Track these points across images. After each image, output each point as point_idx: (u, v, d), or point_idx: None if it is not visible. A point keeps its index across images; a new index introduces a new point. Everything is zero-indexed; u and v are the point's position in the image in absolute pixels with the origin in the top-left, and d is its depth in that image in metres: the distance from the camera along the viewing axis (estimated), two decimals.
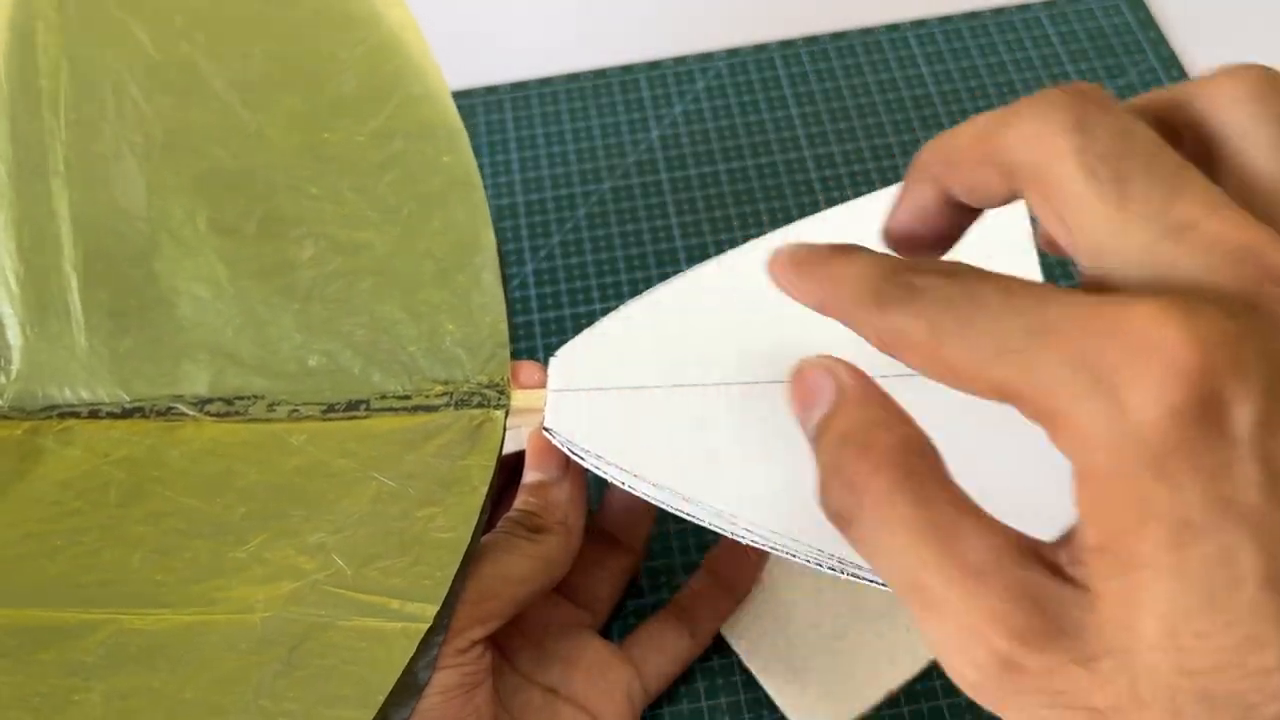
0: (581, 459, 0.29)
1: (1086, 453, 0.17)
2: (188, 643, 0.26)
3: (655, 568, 0.39)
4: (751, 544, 0.27)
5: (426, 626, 0.25)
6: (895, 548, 0.19)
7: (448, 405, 0.31)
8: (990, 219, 0.30)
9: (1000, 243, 0.31)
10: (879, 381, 0.23)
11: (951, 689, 0.36)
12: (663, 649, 0.35)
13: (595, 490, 0.38)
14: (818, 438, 0.21)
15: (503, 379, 0.31)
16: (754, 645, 0.36)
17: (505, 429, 0.30)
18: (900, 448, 0.20)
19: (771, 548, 0.27)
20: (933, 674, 0.36)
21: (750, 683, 0.36)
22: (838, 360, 0.22)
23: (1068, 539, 0.18)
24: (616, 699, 0.33)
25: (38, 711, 0.24)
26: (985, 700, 0.18)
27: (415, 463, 0.29)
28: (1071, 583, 0.17)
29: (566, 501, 0.31)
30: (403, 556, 0.27)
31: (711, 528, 0.27)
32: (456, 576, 0.27)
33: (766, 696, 0.36)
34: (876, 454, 0.20)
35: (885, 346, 0.20)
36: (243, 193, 0.33)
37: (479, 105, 0.53)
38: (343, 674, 0.25)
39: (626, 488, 0.28)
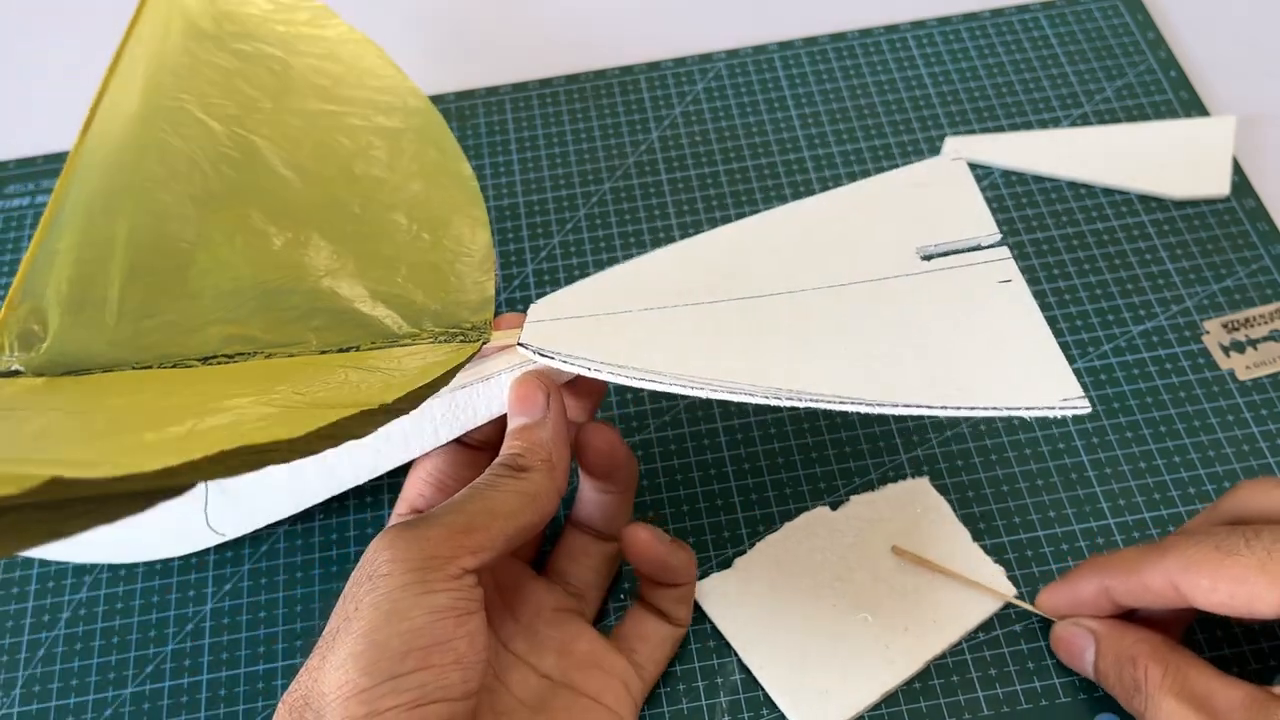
0: (550, 359, 0.31)
1: None
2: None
3: None
4: (711, 397, 0.29)
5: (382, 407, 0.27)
6: (1168, 714, 0.30)
7: (433, 341, 0.34)
8: (931, 162, 0.35)
9: (937, 174, 0.34)
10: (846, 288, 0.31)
11: (951, 688, 0.36)
12: (646, 637, 0.36)
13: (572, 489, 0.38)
14: (1100, 673, 0.33)
15: (484, 322, 0.34)
16: (753, 645, 0.37)
17: (481, 344, 0.33)
18: (1157, 650, 0.32)
19: (730, 394, 0.28)
20: (931, 673, 0.36)
21: (750, 682, 0.36)
22: (1082, 617, 0.34)
23: None
24: (614, 685, 0.34)
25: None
26: None
27: (390, 363, 0.32)
28: None
29: (550, 440, 0.32)
30: (385, 375, 0.30)
31: (673, 391, 0.29)
32: (432, 383, 0.29)
33: (766, 696, 0.36)
34: (1143, 661, 0.32)
35: None
36: (279, 222, 0.37)
37: (480, 106, 0.53)
38: (339, 394, 0.27)
39: (591, 374, 0.30)
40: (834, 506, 0.39)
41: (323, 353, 0.34)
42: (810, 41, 0.54)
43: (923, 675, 0.36)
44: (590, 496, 0.36)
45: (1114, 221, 0.47)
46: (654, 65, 0.54)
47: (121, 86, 0.40)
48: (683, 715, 0.36)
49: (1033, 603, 0.36)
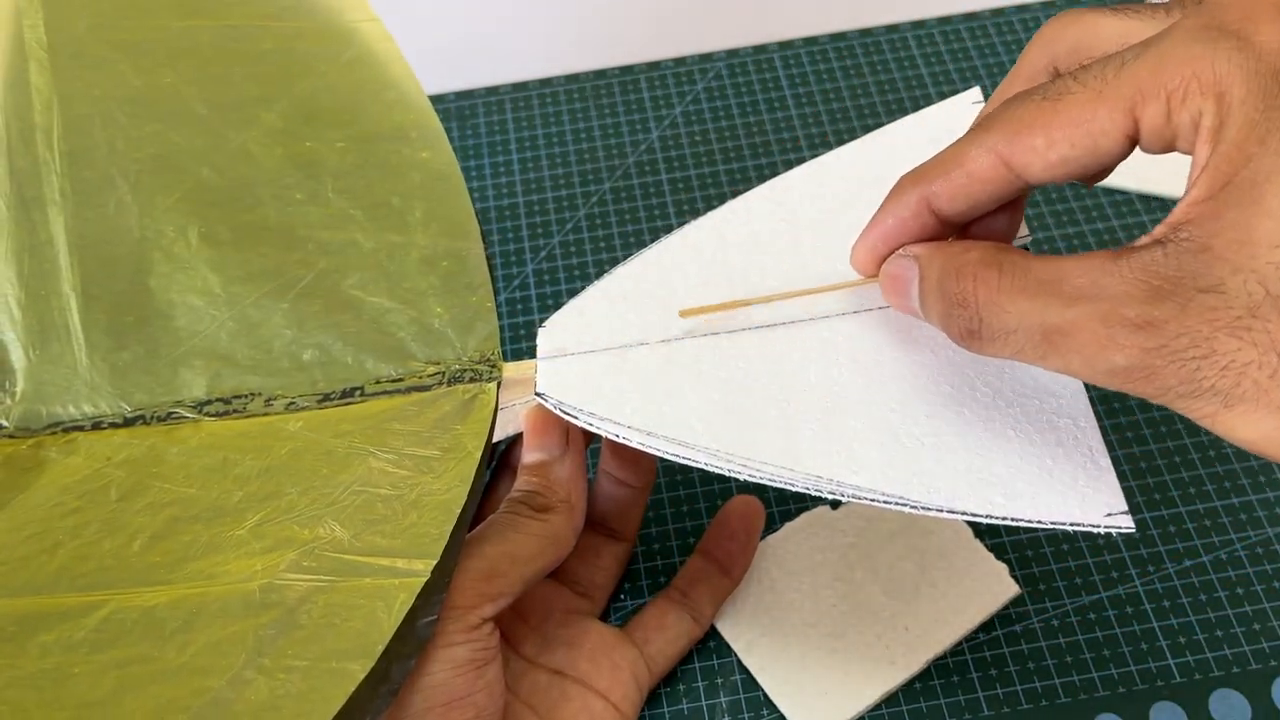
0: (575, 418, 0.29)
1: (1220, 93, 0.21)
2: (185, 612, 0.26)
3: (656, 567, 0.39)
4: (749, 480, 0.27)
5: (424, 580, 0.25)
6: (1016, 317, 0.22)
7: (440, 383, 0.31)
8: (948, 105, 0.33)
9: (957, 131, 0.33)
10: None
11: (951, 688, 0.36)
12: (664, 629, 0.35)
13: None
14: (923, 300, 0.25)
15: (493, 353, 0.31)
16: (752, 644, 0.37)
17: (498, 399, 0.30)
18: (983, 257, 0.24)
19: (769, 480, 0.27)
20: (931, 673, 0.36)
21: (750, 682, 0.36)
22: (907, 246, 0.26)
23: (1161, 231, 0.21)
24: (622, 678, 0.33)
25: (41, 689, 0.25)
26: (1139, 381, 0.21)
27: (409, 436, 0.30)
28: (1176, 242, 0.21)
29: (568, 479, 0.31)
30: (400, 520, 0.27)
31: (709, 469, 0.28)
32: (454, 533, 0.27)
33: (766, 696, 0.36)
34: (969, 269, 0.24)
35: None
36: (230, 205, 0.34)
37: (480, 106, 0.53)
38: (342, 630, 0.25)
39: (621, 440, 0.28)
40: (834, 506, 0.39)
41: (324, 399, 0.31)
42: (810, 41, 0.54)
43: (923, 675, 0.36)
44: (608, 491, 0.36)
45: (1114, 221, 0.47)
46: (654, 65, 0.54)
47: None
48: (683, 715, 0.36)
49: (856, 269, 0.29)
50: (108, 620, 0.26)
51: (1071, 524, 0.26)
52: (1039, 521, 0.26)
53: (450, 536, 0.26)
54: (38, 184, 0.34)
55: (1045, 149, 0.23)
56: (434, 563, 0.26)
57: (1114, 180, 0.48)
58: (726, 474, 0.28)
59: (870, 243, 0.27)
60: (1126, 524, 0.25)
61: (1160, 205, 0.47)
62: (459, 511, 0.27)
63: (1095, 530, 0.26)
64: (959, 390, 0.28)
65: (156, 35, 0.36)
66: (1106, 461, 0.27)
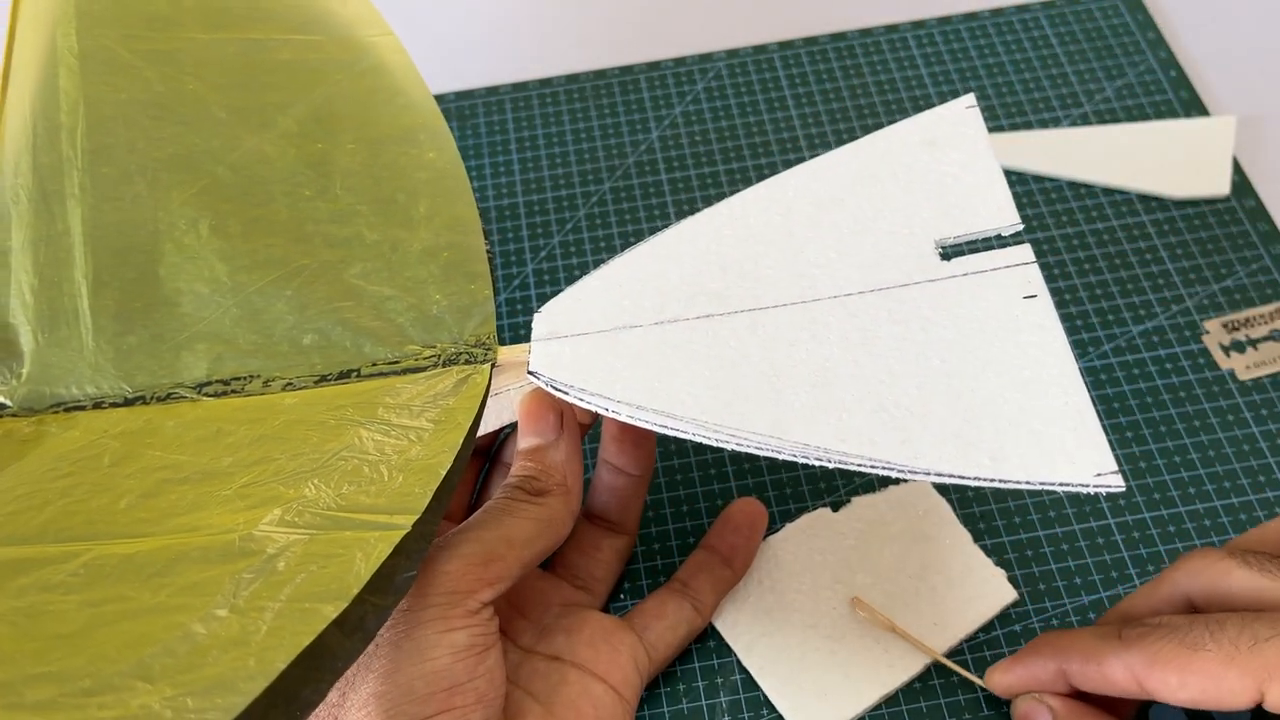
0: (565, 394, 0.29)
1: None
2: (165, 559, 0.26)
3: (656, 567, 0.39)
4: (737, 449, 0.28)
5: (405, 533, 0.25)
6: None
7: (435, 365, 0.32)
8: (942, 110, 0.34)
9: (950, 133, 0.33)
10: (866, 295, 0.30)
11: (951, 688, 0.36)
12: (663, 616, 0.35)
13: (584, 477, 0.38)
14: None
15: (488, 337, 0.32)
16: (752, 645, 0.37)
17: (491, 380, 0.31)
18: None
19: (757, 449, 0.27)
20: (931, 674, 0.36)
21: (750, 682, 0.36)
22: (1044, 695, 0.32)
23: None
24: (621, 661, 0.33)
25: (14, 624, 0.25)
26: None
27: (401, 409, 0.30)
28: None
29: (564, 462, 0.31)
30: (386, 482, 0.27)
31: (697, 439, 0.28)
32: (438, 492, 0.27)
33: (766, 696, 0.36)
34: None
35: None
36: (242, 201, 0.35)
37: (480, 105, 0.53)
38: (318, 576, 0.25)
39: (610, 414, 0.29)
40: (835, 508, 0.39)
41: (321, 380, 0.32)
42: (810, 41, 0.54)
43: (923, 675, 0.36)
44: (607, 482, 0.36)
45: (1114, 221, 0.47)
46: (654, 65, 0.54)
47: (32, 26, 0.37)
48: (683, 715, 0.36)
49: (982, 678, 0.34)
50: (87, 565, 0.26)
51: (1060, 484, 0.26)
52: (1028, 482, 0.26)
53: (434, 496, 0.27)
54: (59, 179, 0.35)
55: (1177, 687, 0.28)
56: (416, 518, 0.26)
57: (1114, 180, 0.48)
58: (715, 444, 0.28)
59: (1009, 681, 0.33)
60: (1116, 484, 0.26)
61: (1160, 205, 0.47)
62: (444, 474, 0.27)
63: (1085, 490, 0.26)
64: (949, 364, 0.28)
65: (183, 46, 0.38)
66: (1095, 424, 0.27)
